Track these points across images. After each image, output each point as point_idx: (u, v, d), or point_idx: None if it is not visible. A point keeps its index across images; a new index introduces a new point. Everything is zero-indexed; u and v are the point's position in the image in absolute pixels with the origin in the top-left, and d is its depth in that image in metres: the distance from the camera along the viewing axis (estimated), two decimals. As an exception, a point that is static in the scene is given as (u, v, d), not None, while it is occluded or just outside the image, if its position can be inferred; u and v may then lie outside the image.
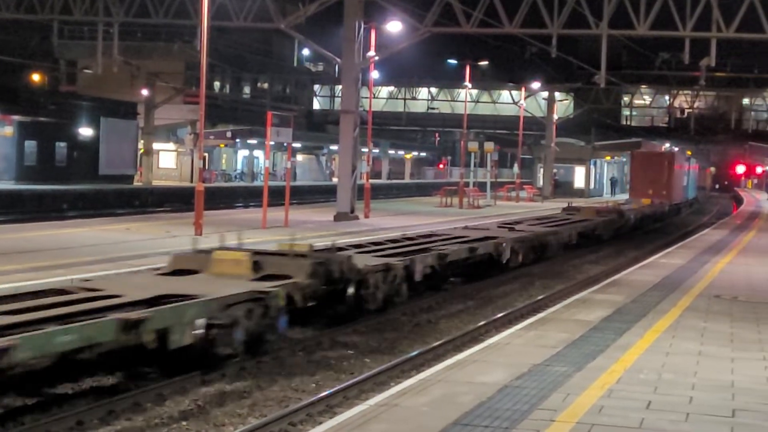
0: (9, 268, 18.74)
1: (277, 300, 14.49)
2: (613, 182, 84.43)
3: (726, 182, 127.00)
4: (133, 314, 11.84)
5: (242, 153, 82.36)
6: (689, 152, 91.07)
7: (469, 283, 23.84)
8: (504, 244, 25.52)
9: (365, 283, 17.62)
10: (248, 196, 62.86)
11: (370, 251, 20.75)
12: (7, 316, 11.49)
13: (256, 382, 13.48)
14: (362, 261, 18.19)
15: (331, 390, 12.92)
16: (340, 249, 19.89)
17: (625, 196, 64.37)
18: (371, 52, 40.86)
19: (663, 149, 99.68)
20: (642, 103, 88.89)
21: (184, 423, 11.61)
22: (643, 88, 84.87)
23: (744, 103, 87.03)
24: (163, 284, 14.71)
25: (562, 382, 11.10)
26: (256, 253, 16.76)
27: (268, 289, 14.48)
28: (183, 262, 16.54)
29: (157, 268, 17.32)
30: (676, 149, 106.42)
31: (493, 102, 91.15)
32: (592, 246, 35.59)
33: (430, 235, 25.71)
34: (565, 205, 44.43)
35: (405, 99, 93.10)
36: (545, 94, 77.20)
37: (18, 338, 10.28)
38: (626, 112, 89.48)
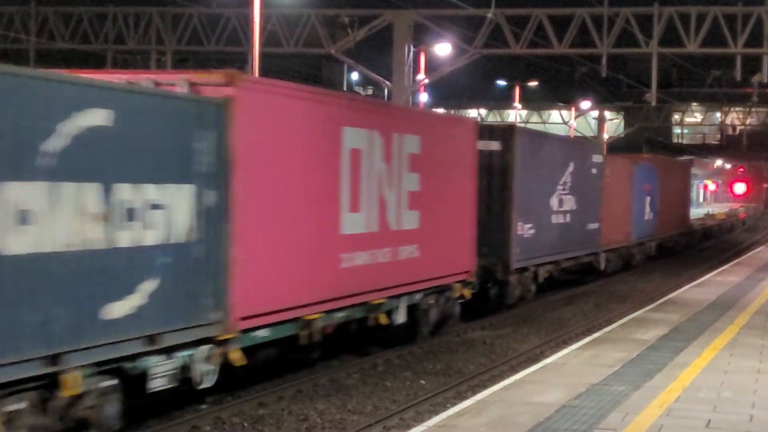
0: None
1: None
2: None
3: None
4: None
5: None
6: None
7: (520, 306, 23.81)
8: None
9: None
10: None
11: None
12: None
13: (313, 404, 13.55)
14: None
15: (389, 412, 12.97)
16: None
17: None
18: (421, 75, 40.99)
19: (715, 166, 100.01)
20: (693, 120, 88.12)
21: (243, 445, 11.71)
22: (694, 105, 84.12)
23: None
24: None
25: (620, 401, 11.06)
26: None
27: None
28: None
29: None
30: (729, 166, 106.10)
31: (543, 122, 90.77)
32: (653, 263, 36.06)
33: None
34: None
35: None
36: (595, 113, 76.84)
37: None
38: (677, 129, 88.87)
